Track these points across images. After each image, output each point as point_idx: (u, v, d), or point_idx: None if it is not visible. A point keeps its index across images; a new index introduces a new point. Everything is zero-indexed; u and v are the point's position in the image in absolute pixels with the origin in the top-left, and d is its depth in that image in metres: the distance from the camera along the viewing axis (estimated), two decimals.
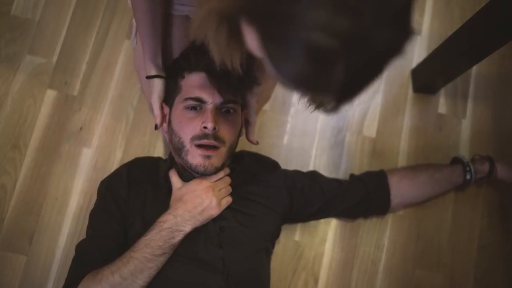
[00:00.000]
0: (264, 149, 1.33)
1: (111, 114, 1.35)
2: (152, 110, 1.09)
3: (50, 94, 1.34)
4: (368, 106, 1.42)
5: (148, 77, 1.05)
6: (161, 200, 1.07)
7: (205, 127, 0.98)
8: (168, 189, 1.08)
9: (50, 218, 1.27)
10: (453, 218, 1.37)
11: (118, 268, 0.95)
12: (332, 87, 0.55)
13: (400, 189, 1.26)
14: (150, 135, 1.34)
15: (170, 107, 1.07)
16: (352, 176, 1.29)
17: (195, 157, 1.00)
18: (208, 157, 1.00)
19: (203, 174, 1.03)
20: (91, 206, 1.19)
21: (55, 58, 1.37)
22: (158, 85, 1.05)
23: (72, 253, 1.18)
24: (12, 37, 1.37)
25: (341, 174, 1.37)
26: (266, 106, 1.39)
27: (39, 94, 1.34)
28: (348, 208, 1.25)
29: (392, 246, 1.34)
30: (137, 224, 1.05)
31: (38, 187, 1.29)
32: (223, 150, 1.02)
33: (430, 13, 1.50)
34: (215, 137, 0.99)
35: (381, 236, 1.34)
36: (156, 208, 1.05)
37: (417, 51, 1.47)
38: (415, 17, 1.49)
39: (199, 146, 1.00)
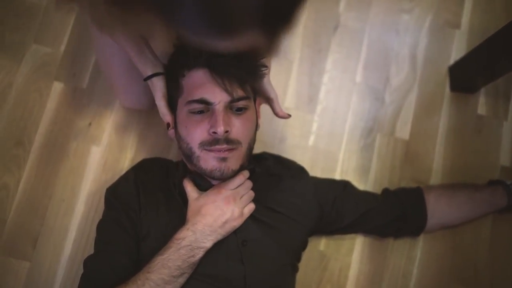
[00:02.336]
0: (287, 151, 1.25)
1: (123, 110, 1.27)
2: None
3: (57, 87, 1.26)
4: (401, 106, 1.33)
5: (146, 79, 0.94)
6: (177, 209, 0.98)
7: (214, 132, 0.88)
8: (183, 198, 0.99)
9: (55, 221, 1.20)
10: (493, 227, 1.28)
11: None
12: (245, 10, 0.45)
13: (438, 209, 1.17)
14: (165, 135, 1.23)
15: (174, 110, 0.97)
16: (386, 190, 1.21)
17: (208, 162, 0.91)
18: (223, 159, 0.91)
19: (220, 179, 0.95)
20: (100, 208, 1.15)
21: (63, 48, 1.28)
22: (158, 82, 0.94)
23: (78, 259, 1.17)
24: (17, 24, 1.29)
25: (371, 178, 1.29)
26: (291, 104, 1.30)
27: (45, 86, 1.26)
28: (380, 226, 1.17)
29: (425, 258, 1.26)
30: (151, 238, 0.97)
31: (43, 187, 1.22)
32: (241, 150, 0.93)
33: (471, 5, 1.40)
34: (228, 140, 0.90)
35: (413, 247, 1.26)
36: (171, 219, 0.97)
37: (455, 46, 1.37)
38: (454, 9, 1.39)
39: (211, 150, 0.91)
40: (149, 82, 0.94)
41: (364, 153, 1.30)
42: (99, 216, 1.16)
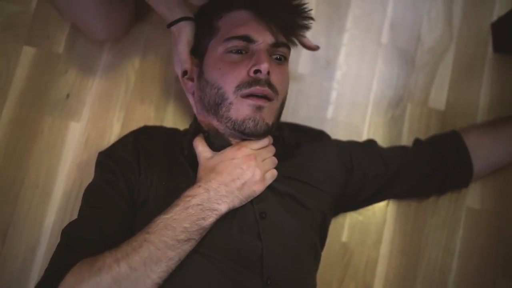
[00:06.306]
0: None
1: (106, 78, 1.18)
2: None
3: (28, 52, 1.18)
4: (435, 71, 1.23)
5: (171, 24, 0.94)
6: (183, 175, 0.91)
7: (256, 71, 0.85)
8: (191, 161, 0.91)
9: (29, 209, 1.12)
10: None
11: (126, 254, 0.76)
12: None
13: (482, 148, 1.08)
14: (157, 105, 1.18)
15: (202, 55, 0.93)
16: (417, 141, 1.12)
17: (241, 110, 0.86)
18: (259, 108, 0.85)
19: (251, 134, 0.87)
20: (82, 194, 1.05)
21: (33, 5, 1.19)
22: (185, 28, 0.93)
23: None
24: None
25: None
26: (305, 69, 1.20)
27: (13, 51, 1.17)
28: (418, 183, 1.08)
29: (466, 249, 1.16)
30: (150, 204, 0.88)
31: (13, 171, 1.13)
32: (276, 104, 0.89)
33: None
34: (269, 83, 0.86)
35: (452, 236, 1.17)
36: (175, 185, 0.89)
37: None
38: None
39: (248, 96, 0.86)
40: (173, 27, 0.94)
41: (393, 126, 1.21)
42: (80, 203, 1.08)
